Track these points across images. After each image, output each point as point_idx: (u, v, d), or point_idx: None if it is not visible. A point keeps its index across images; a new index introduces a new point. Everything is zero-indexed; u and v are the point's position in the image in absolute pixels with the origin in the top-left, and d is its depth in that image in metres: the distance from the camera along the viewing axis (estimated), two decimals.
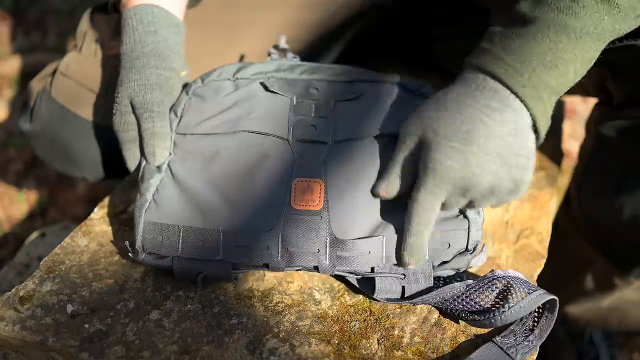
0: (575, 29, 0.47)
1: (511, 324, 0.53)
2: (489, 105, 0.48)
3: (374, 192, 0.54)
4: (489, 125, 0.48)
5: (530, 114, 0.49)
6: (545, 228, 0.67)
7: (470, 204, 0.52)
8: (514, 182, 0.49)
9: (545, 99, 0.49)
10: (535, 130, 0.50)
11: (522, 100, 0.48)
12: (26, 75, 1.50)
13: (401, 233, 0.52)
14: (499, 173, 0.48)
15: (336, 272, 0.53)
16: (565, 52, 0.48)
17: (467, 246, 0.54)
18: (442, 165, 0.48)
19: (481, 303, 0.51)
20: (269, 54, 0.65)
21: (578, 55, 0.48)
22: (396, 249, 0.53)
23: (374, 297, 0.54)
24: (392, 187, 0.53)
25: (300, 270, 0.55)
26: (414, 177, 0.51)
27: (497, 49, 0.49)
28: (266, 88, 0.59)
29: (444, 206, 0.51)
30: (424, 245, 0.52)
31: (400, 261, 0.52)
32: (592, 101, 0.76)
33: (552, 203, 0.71)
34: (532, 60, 0.48)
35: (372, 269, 0.53)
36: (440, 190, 0.49)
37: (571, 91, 0.75)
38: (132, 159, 0.59)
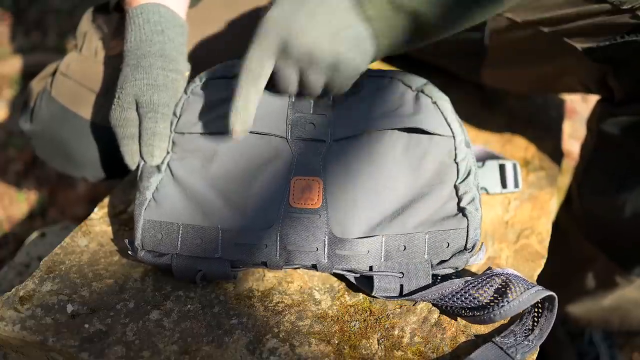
0: None
1: (511, 324, 0.53)
2: None
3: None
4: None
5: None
6: (545, 228, 0.67)
7: (302, 76, 0.50)
8: (334, 55, 0.48)
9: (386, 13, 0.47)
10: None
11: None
12: (26, 75, 1.50)
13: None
14: (320, 39, 0.47)
15: (335, 271, 0.53)
16: None
17: (465, 245, 0.54)
18: (269, 16, 0.47)
19: (480, 299, 0.51)
20: None
21: None
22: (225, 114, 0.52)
23: (372, 295, 0.54)
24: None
25: (299, 268, 0.55)
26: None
27: None
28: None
29: (279, 78, 0.50)
30: (250, 109, 0.50)
31: (227, 128, 0.51)
32: (593, 101, 0.76)
33: (552, 203, 0.71)
34: None
35: (371, 268, 0.53)
36: (266, 44, 0.48)
37: (573, 88, 0.75)
38: (129, 155, 0.59)
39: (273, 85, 0.55)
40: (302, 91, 0.52)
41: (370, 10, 0.47)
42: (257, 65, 0.49)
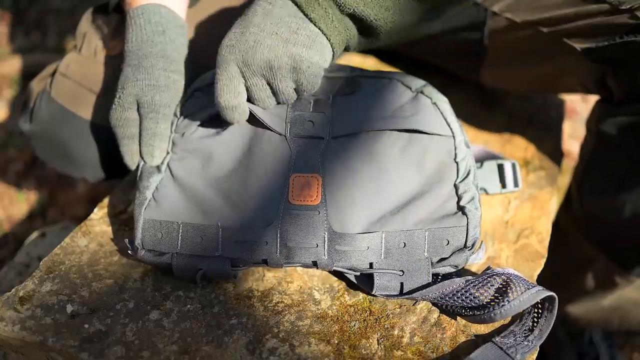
0: None
1: (511, 324, 0.53)
2: (273, 2, 0.52)
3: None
4: (267, 9, 0.51)
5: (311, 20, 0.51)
6: (545, 228, 0.67)
7: (271, 86, 0.54)
8: (292, 58, 0.51)
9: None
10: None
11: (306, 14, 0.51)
12: (26, 75, 1.50)
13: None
14: (274, 48, 0.50)
15: (335, 268, 0.54)
16: None
17: (465, 243, 0.54)
18: (223, 44, 0.52)
19: (480, 298, 0.51)
20: None
21: None
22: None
23: (372, 293, 0.54)
24: None
25: (299, 266, 0.55)
26: None
27: None
28: None
29: (253, 94, 0.54)
30: (242, 115, 0.55)
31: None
32: (592, 101, 0.76)
33: (552, 203, 0.71)
34: None
35: (371, 265, 0.53)
36: (228, 70, 0.52)
37: (572, 89, 0.75)
38: (129, 154, 0.59)
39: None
40: (278, 99, 0.56)
41: (312, 14, 0.51)
42: (230, 93, 0.53)
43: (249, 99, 0.55)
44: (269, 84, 0.53)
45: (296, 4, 0.51)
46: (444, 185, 0.55)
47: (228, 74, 0.52)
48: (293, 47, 0.51)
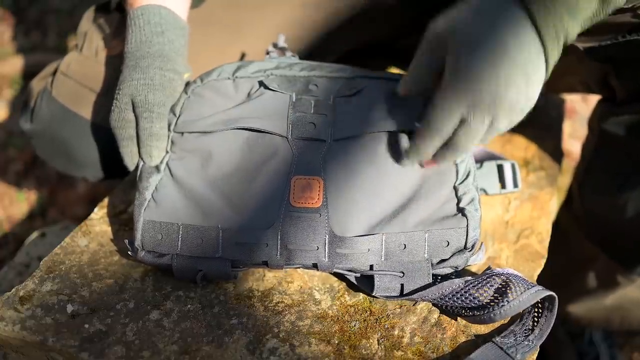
0: None
1: (511, 324, 0.53)
2: (523, 24, 0.47)
3: (395, 91, 0.55)
4: (521, 41, 0.47)
5: (545, 52, 0.48)
6: (545, 228, 0.67)
7: (490, 126, 0.50)
8: (529, 100, 0.49)
9: (560, 41, 0.48)
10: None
11: (541, 39, 0.47)
12: (26, 75, 1.50)
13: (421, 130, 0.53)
14: (521, 89, 0.48)
15: (335, 270, 0.53)
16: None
17: (465, 244, 0.54)
18: (471, 71, 0.47)
19: (480, 298, 0.51)
20: (268, 53, 0.65)
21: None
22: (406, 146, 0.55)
23: (372, 294, 0.54)
24: (412, 85, 0.54)
25: (299, 268, 0.55)
26: (433, 77, 0.51)
27: None
28: (265, 87, 0.59)
29: (461, 125, 0.50)
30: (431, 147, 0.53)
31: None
32: (593, 101, 0.76)
33: (552, 203, 0.71)
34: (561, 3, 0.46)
35: (371, 267, 0.53)
36: (464, 98, 0.48)
37: (574, 88, 0.75)
38: (129, 156, 0.59)
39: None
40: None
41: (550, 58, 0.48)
42: (448, 123, 0.50)
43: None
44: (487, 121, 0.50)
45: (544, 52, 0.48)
46: (443, 187, 0.55)
47: (457, 103, 0.49)
48: (532, 89, 0.48)
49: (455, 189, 0.55)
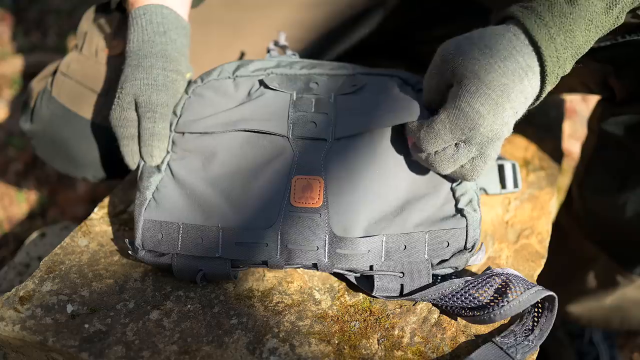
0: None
1: (511, 324, 0.53)
2: (529, 64, 0.49)
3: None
4: (524, 85, 0.49)
5: (544, 81, 0.50)
6: (545, 228, 0.67)
7: (475, 155, 0.52)
8: (509, 131, 0.51)
9: (563, 69, 0.50)
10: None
11: (543, 68, 0.49)
12: (26, 75, 1.50)
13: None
14: (509, 124, 0.50)
15: (335, 270, 0.53)
16: (598, 26, 0.49)
17: (465, 244, 0.54)
18: (473, 110, 0.49)
19: (480, 298, 0.51)
20: (268, 51, 0.65)
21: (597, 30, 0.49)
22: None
23: (372, 294, 0.54)
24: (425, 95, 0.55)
25: (299, 268, 0.55)
26: (441, 90, 0.53)
27: (544, 14, 0.48)
28: (266, 86, 0.59)
29: (446, 150, 0.52)
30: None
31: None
32: (593, 101, 0.76)
33: (552, 203, 0.71)
34: (567, 28, 0.48)
35: (371, 267, 0.53)
36: (459, 132, 0.50)
37: (573, 89, 0.75)
38: (130, 155, 0.59)
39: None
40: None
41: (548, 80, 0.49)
42: (447, 147, 0.52)
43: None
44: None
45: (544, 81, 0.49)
46: (442, 188, 0.56)
47: (452, 135, 0.51)
48: (512, 119, 0.50)
49: (452, 190, 0.56)
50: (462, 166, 0.53)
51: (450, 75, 0.51)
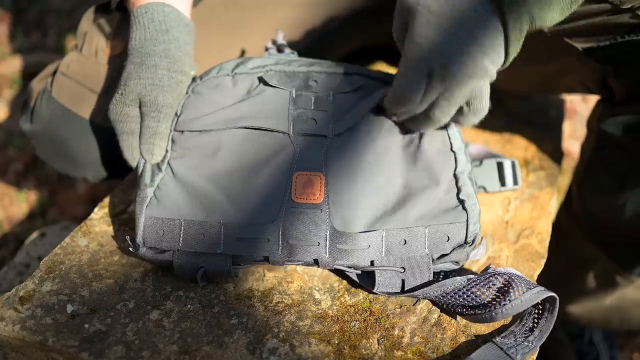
0: None
1: (511, 324, 0.53)
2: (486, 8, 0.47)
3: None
4: (479, 14, 0.47)
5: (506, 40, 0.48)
6: (545, 228, 0.67)
7: (442, 93, 0.51)
8: (484, 70, 0.49)
9: (523, 31, 0.48)
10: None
11: (505, 28, 0.48)
12: (26, 75, 1.50)
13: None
14: (477, 59, 0.48)
15: (336, 266, 0.54)
16: None
17: (466, 238, 0.54)
18: (422, 37, 0.48)
19: (482, 297, 0.51)
20: (267, 49, 0.65)
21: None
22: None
23: (373, 291, 0.54)
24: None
25: (300, 264, 0.55)
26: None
27: None
28: (265, 83, 0.59)
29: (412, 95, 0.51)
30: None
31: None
32: (593, 101, 0.76)
33: (552, 203, 0.71)
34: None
35: (372, 263, 0.53)
36: (422, 65, 0.49)
37: (573, 89, 0.75)
38: (129, 150, 0.59)
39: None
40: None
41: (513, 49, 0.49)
42: (413, 88, 0.50)
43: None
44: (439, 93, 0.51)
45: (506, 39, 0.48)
46: (443, 176, 0.56)
47: (414, 78, 0.50)
48: (480, 59, 0.48)
49: (456, 177, 0.56)
50: (430, 107, 0.52)
51: (406, 14, 0.50)
